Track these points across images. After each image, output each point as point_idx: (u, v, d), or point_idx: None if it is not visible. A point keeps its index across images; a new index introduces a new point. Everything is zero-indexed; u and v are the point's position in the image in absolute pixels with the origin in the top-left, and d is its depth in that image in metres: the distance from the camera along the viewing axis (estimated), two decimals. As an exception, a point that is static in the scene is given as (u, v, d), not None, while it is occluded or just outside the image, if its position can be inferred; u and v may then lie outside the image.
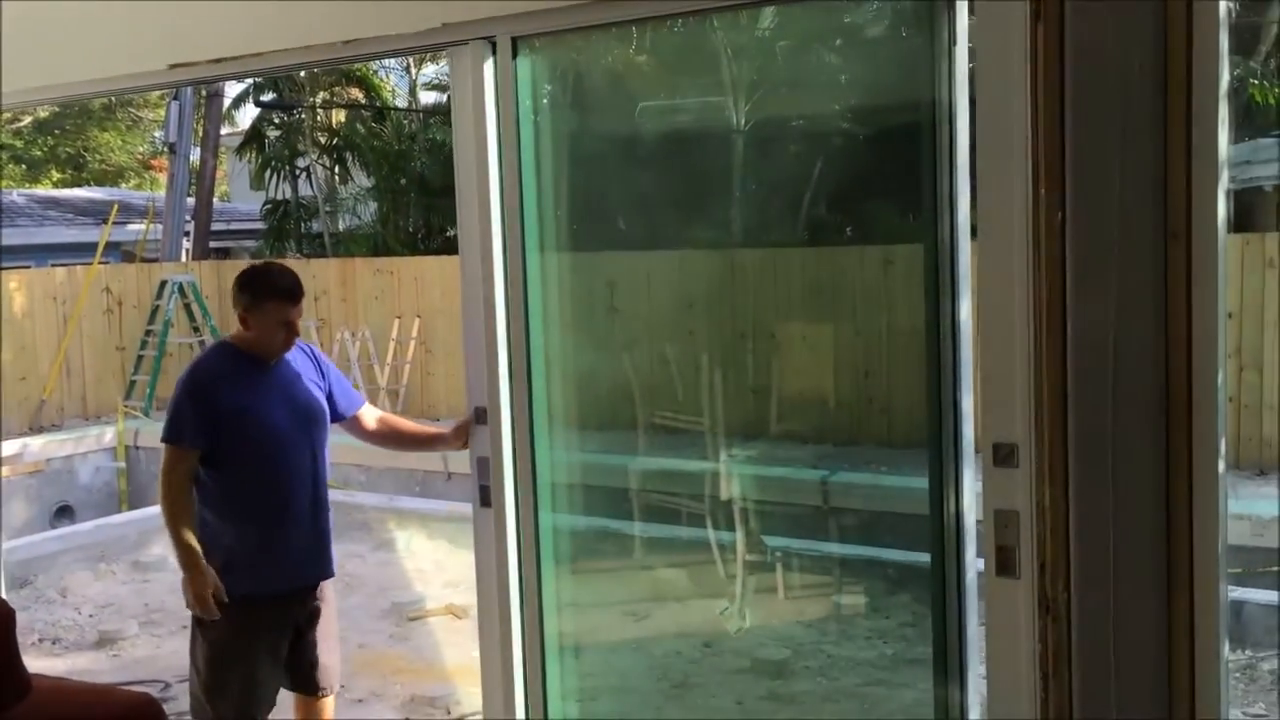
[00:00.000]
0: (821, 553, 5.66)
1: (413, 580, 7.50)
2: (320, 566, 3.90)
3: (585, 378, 4.30)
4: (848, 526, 6.26)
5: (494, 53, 3.40)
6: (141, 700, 1.73)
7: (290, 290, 3.80)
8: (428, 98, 19.96)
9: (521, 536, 3.43)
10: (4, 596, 4.20)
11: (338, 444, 11.47)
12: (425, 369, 13.68)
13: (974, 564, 2.83)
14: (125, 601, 7.24)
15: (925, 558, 2.98)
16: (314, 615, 3.93)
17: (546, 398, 3.57)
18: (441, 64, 19.01)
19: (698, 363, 5.42)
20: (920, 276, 2.95)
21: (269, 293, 3.76)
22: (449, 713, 5.30)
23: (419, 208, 17.02)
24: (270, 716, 3.87)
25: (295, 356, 3.90)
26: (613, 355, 5.13)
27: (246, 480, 3.72)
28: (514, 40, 3.41)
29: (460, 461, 10.43)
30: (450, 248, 16.24)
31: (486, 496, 3.40)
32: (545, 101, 3.75)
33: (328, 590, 4.00)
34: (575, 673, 3.82)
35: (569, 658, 3.75)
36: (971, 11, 2.72)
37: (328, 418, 3.92)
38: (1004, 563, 2.51)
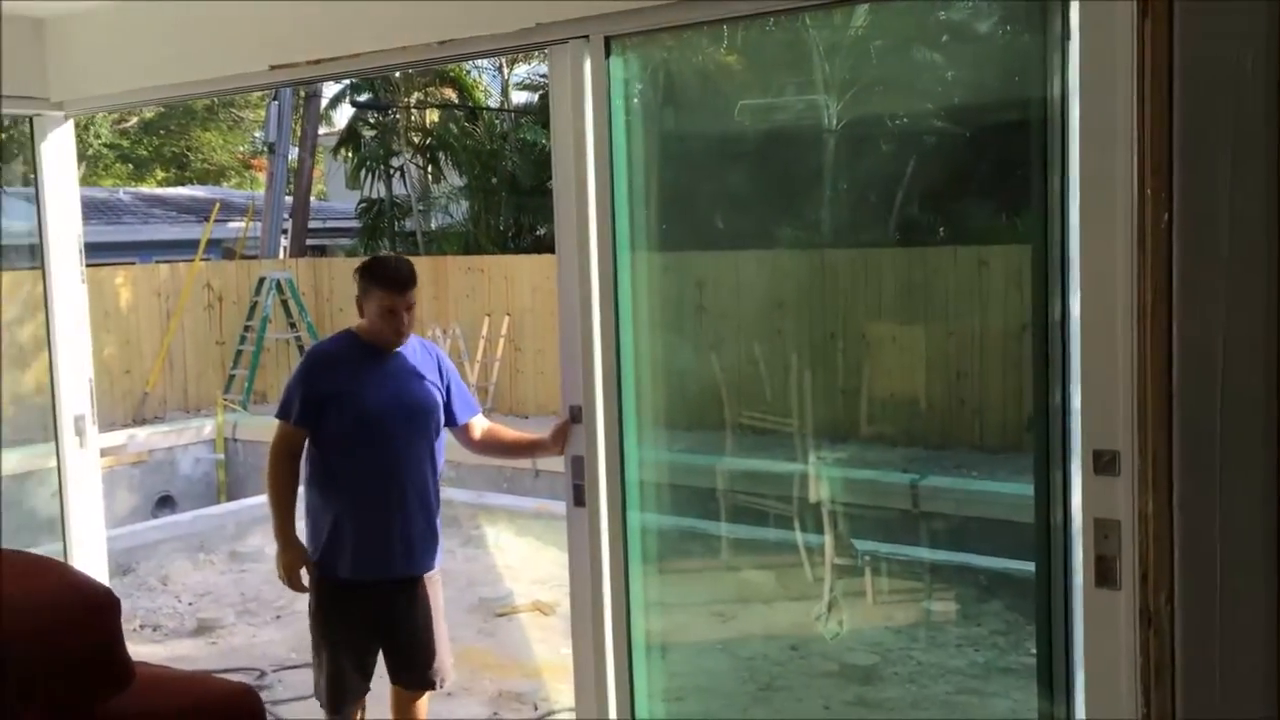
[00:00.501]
0: (911, 558, 5.59)
1: (501, 576, 7.57)
2: (412, 562, 3.90)
3: (674, 377, 4.30)
4: (938, 531, 6.17)
5: (588, 52, 3.41)
6: (240, 690, 1.77)
7: (393, 279, 3.90)
8: (519, 98, 20.14)
9: (612, 536, 3.43)
10: (108, 584, 4.37)
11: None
12: (514, 366, 13.81)
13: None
14: (223, 590, 7.43)
15: (1020, 565, 2.93)
16: (412, 610, 3.94)
17: (636, 397, 3.58)
18: (533, 64, 19.17)
19: (787, 363, 5.38)
20: (1024, 276, 2.88)
21: (375, 281, 3.90)
22: (536, 709, 5.34)
23: (509, 207, 17.18)
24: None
25: (418, 353, 3.97)
26: (701, 355, 5.12)
27: (343, 464, 3.80)
28: (607, 39, 3.41)
29: (547, 459, 10.51)
30: (539, 246, 16.37)
31: (580, 495, 3.41)
32: (636, 101, 3.75)
33: (431, 587, 4.00)
34: (663, 672, 3.82)
35: (657, 657, 3.75)
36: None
37: (439, 418, 3.94)
38: (1104, 573, 2.44)
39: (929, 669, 4.80)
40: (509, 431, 4.26)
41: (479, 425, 4.09)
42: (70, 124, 4.94)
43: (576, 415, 3.45)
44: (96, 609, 1.59)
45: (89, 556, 4.78)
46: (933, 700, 4.65)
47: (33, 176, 4.92)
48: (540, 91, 18.84)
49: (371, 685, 3.97)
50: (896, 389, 6.77)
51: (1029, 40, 2.90)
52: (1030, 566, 2.89)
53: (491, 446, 4.19)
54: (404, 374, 3.90)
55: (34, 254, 5.10)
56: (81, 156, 23.31)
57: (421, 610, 3.97)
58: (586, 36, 3.41)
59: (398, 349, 3.94)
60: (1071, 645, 2.66)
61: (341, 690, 3.87)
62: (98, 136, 17.16)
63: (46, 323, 4.91)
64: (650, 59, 3.89)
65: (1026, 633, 4.72)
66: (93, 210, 20.30)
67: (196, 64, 4.45)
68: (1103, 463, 2.45)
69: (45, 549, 4.62)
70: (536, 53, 17.53)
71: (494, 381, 13.65)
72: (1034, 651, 2.93)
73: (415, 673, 4.00)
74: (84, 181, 25.45)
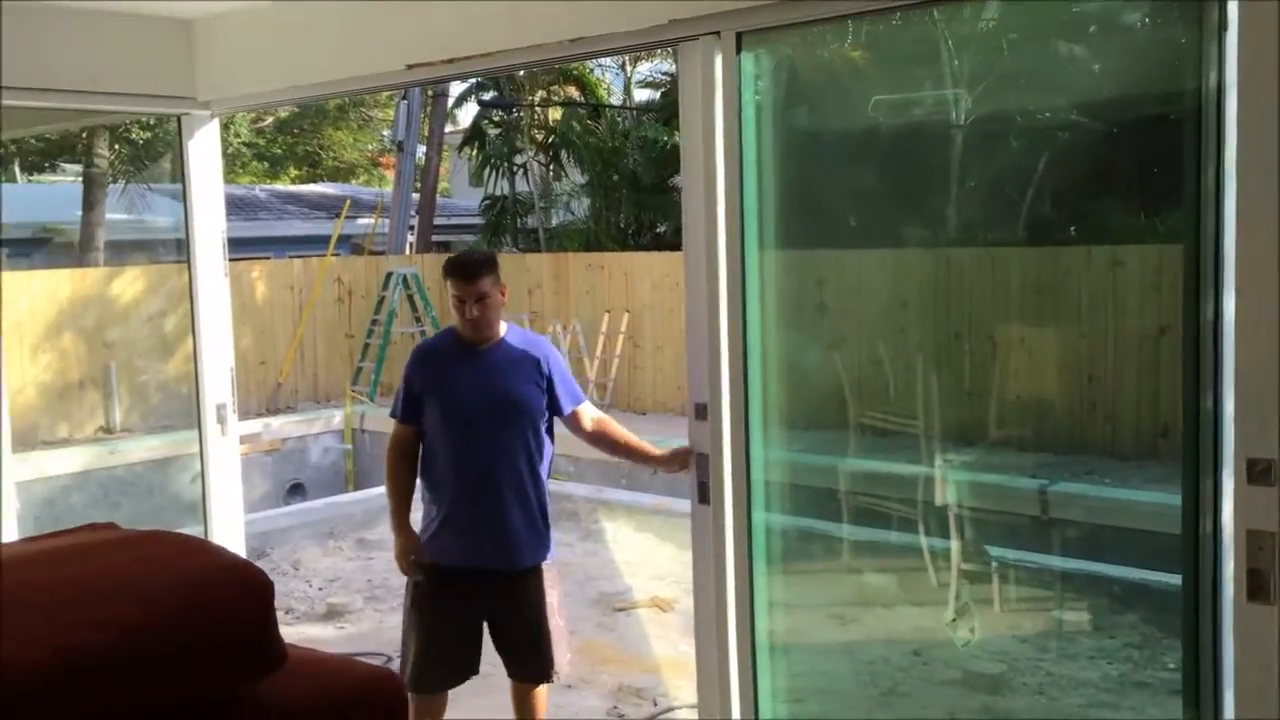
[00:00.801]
0: (1040, 565, 5.44)
1: (620, 571, 7.62)
2: (505, 554, 3.93)
3: (797, 376, 4.26)
4: (1069, 539, 5.99)
5: (719, 48, 3.40)
6: (384, 674, 1.81)
7: (458, 270, 3.94)
8: (641, 95, 20.22)
9: (737, 534, 3.42)
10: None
11: (550, 434, 11.50)
12: (633, 363, 13.87)
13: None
14: (351, 576, 7.63)
15: (1159, 576, 2.82)
16: (517, 604, 3.98)
17: (762, 395, 3.56)
18: (656, 62, 19.21)
19: (910, 363, 5.29)
20: (1164, 277, 2.78)
21: (446, 274, 4.00)
22: (656, 704, 5.36)
23: (630, 204, 17.26)
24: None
25: (518, 348, 4.00)
26: (823, 354, 5.07)
27: (438, 456, 3.92)
28: (738, 35, 3.40)
29: (666, 456, 10.53)
30: (659, 244, 16.41)
31: (705, 493, 3.41)
32: (761, 97, 3.73)
33: (540, 580, 4.03)
34: (784, 674, 3.79)
35: (778, 658, 3.72)
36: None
37: (537, 413, 3.96)
38: (1257, 587, 2.34)
39: (1059, 680, 4.67)
40: (623, 432, 4.26)
41: (587, 415, 4.12)
42: (215, 123, 5.11)
43: (701, 413, 3.45)
44: (250, 590, 1.64)
45: (229, 540, 4.95)
46: (1062, 712, 4.52)
47: (180, 174, 5.11)
48: (662, 89, 18.88)
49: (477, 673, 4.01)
50: (1024, 391, 6.60)
51: (1180, 33, 2.79)
52: (1171, 578, 2.79)
53: (602, 440, 4.21)
54: (495, 368, 3.94)
55: (180, 248, 5.28)
56: (221, 154, 24.18)
57: (527, 604, 3.99)
58: (718, 33, 3.40)
59: (495, 343, 3.97)
60: (1220, 661, 2.55)
61: (422, 679, 3.92)
62: (237, 135, 17.80)
63: (191, 315, 5.09)
64: (778, 55, 3.86)
65: (1164, 646, 4.56)
66: (231, 206, 20.97)
67: (336, 63, 4.57)
68: (1257, 471, 2.35)
69: (187, 531, 4.79)
70: (660, 50, 17.59)
71: (612, 377, 13.74)
72: (1173, 666, 2.82)
73: (524, 666, 4.05)
74: (224, 179, 26.39)
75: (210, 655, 1.61)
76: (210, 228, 5.08)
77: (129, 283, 13.39)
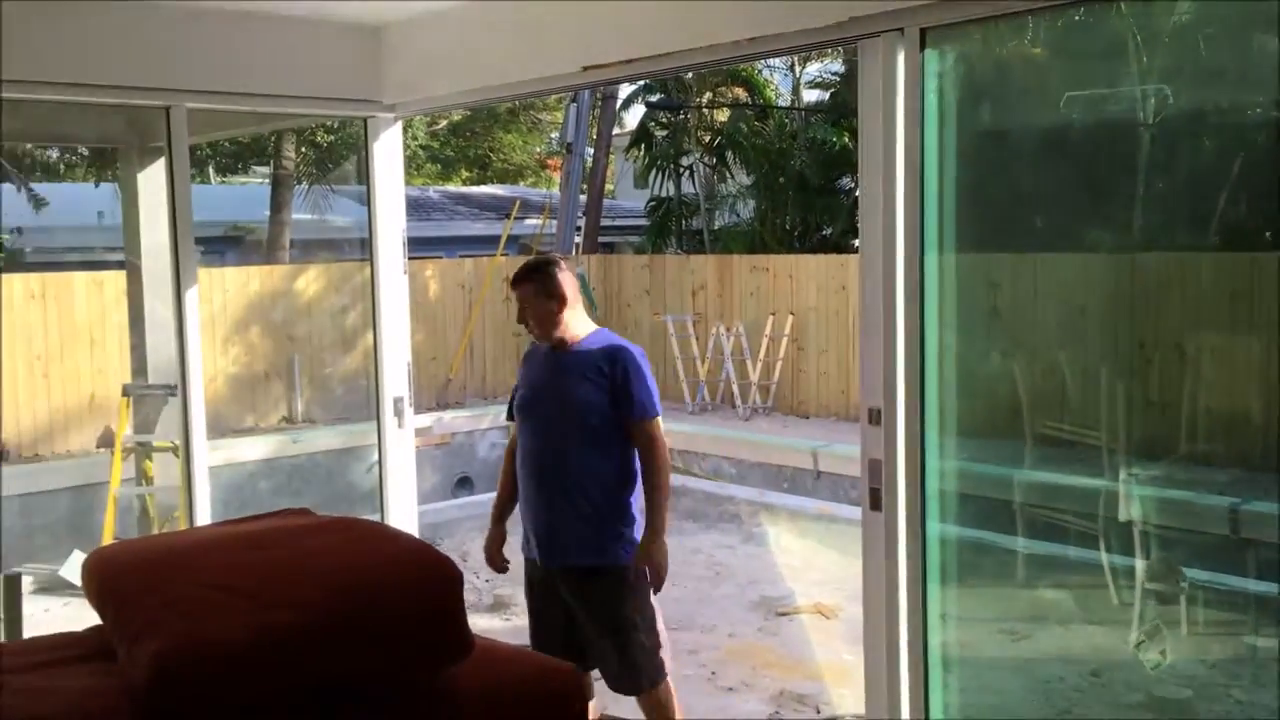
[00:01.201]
0: (1231, 587, 5.16)
1: (782, 575, 7.55)
2: (549, 550, 3.94)
3: (972, 383, 4.15)
4: (1264, 561, 5.65)
5: (902, 45, 3.33)
6: (566, 668, 1.83)
7: (513, 276, 4.06)
8: (810, 96, 20.02)
9: (910, 543, 3.34)
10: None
11: (710, 435, 11.70)
12: (797, 366, 13.74)
13: None
14: (518, 569, 7.76)
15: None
16: (585, 607, 3.93)
17: (938, 401, 3.47)
18: (825, 62, 18.99)
19: (1092, 373, 5.08)
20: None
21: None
22: (819, 712, 5.29)
23: (797, 206, 17.11)
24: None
25: (591, 350, 3.96)
26: (999, 361, 4.91)
27: (518, 451, 4.08)
28: (922, 31, 3.32)
29: (831, 460, 10.41)
30: (826, 246, 16.22)
31: (877, 500, 3.34)
32: (942, 96, 3.63)
33: (613, 584, 3.91)
34: (956, 688, 3.68)
35: (950, 672, 3.62)
36: None
37: (590, 412, 3.88)
38: None
39: (1252, 710, 4.41)
40: (657, 480, 3.95)
41: (645, 434, 3.91)
42: (399, 125, 5.28)
43: (875, 418, 3.38)
44: (440, 578, 1.68)
45: (404, 529, 5.10)
46: (1255, 744, 4.28)
47: (364, 175, 5.29)
48: (832, 90, 18.65)
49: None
50: (1214, 404, 6.26)
51: None
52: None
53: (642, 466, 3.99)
54: (562, 369, 3.98)
55: (361, 247, 5.48)
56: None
57: (598, 606, 3.93)
58: (901, 29, 3.33)
59: (573, 346, 3.98)
60: None
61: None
62: (414, 138, 18.39)
63: (372, 311, 5.28)
64: (960, 52, 3.75)
65: (1371, 680, 4.26)
66: (407, 207, 21.72)
67: (515, 66, 4.66)
68: None
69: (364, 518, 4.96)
70: (831, 51, 17.38)
71: (775, 380, 13.64)
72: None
73: (609, 674, 3.98)
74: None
75: (399, 640, 1.65)
76: (391, 226, 5.25)
77: (312, 279, 13.97)
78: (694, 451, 11.73)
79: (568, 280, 3.97)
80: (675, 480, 9.71)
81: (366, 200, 5.29)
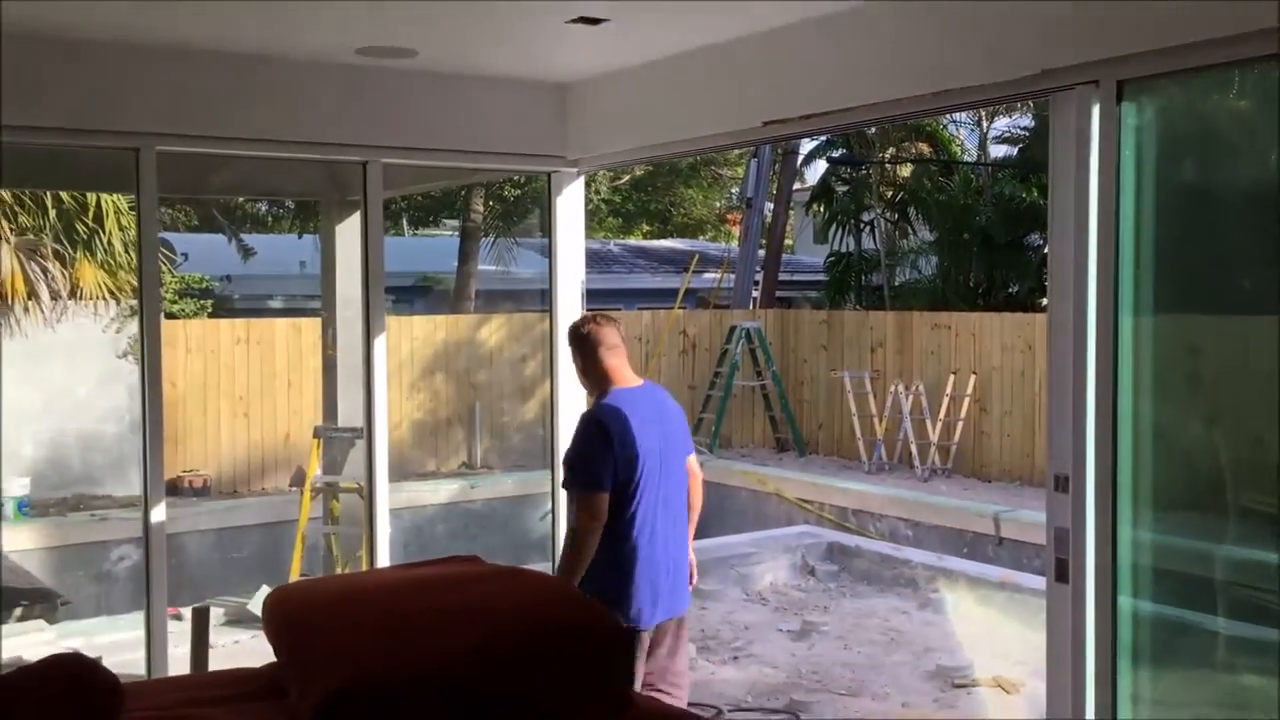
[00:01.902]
0: None
1: (960, 645, 7.26)
2: (675, 605, 4.19)
3: (1169, 450, 3.91)
4: None
5: (1097, 98, 3.20)
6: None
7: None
8: (997, 151, 19.58)
9: (1099, 618, 3.16)
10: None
11: (887, 496, 11.36)
12: (979, 427, 13.31)
13: None
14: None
15: None
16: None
17: (1132, 469, 3.28)
18: (1014, 117, 18.56)
19: (1304, 444, 4.73)
20: None
21: None
22: (995, 792, 5.03)
23: (981, 262, 16.68)
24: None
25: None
26: (1200, 429, 4.63)
27: (636, 518, 4.09)
28: (1119, 84, 3.19)
29: (1014, 526, 10.00)
30: (1011, 304, 15.72)
31: (1063, 571, 3.18)
32: (1138, 151, 3.47)
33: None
34: (1148, 778, 3.45)
35: (1142, 759, 3.39)
36: None
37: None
38: None
39: None
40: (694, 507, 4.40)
41: (691, 470, 4.34)
42: (581, 180, 5.39)
43: (1062, 485, 3.22)
44: (602, 634, 1.66)
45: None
46: None
47: (547, 228, 5.42)
48: (1020, 145, 18.18)
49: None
50: None
51: None
52: None
53: None
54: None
55: (542, 298, 5.59)
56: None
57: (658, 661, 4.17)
58: (1096, 82, 3.21)
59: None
60: None
61: None
62: (597, 192, 18.79)
63: (550, 361, 5.36)
64: (1159, 105, 3.59)
65: None
66: (588, 259, 22.15)
67: (695, 121, 4.71)
68: None
69: (536, 568, 5.01)
70: (1020, 104, 16.95)
71: (956, 441, 13.24)
72: None
73: None
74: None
75: (556, 689, 1.64)
76: (571, 278, 5.34)
77: (495, 329, 14.36)
78: (869, 512, 11.46)
79: (602, 339, 4.15)
80: (850, 541, 9.53)
81: (548, 253, 5.40)
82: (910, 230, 18.36)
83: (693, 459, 4.34)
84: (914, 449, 13.28)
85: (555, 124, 5.24)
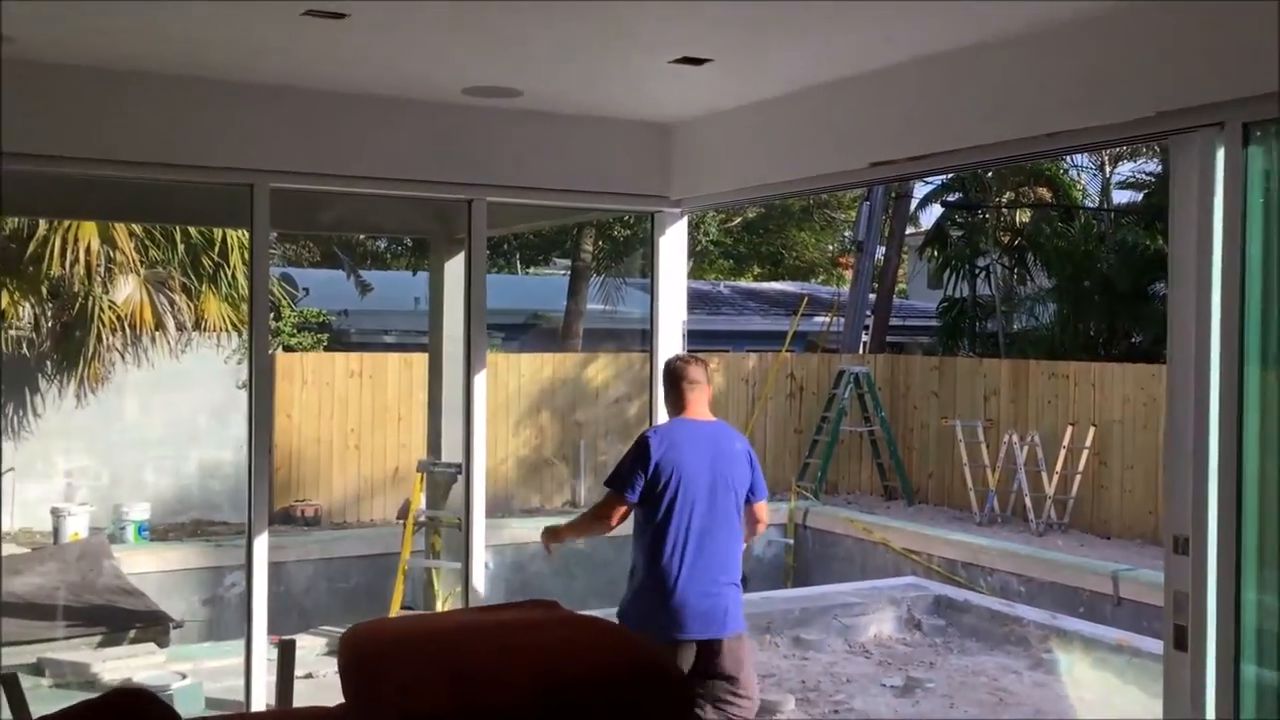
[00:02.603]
0: None
1: (1073, 709, 6.96)
2: (712, 624, 4.37)
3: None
4: None
5: (1221, 141, 3.05)
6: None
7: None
8: (1120, 196, 19.05)
9: (1220, 689, 2.96)
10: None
11: (999, 549, 10.97)
12: (1098, 481, 12.85)
13: None
14: (785, 674, 7.55)
15: None
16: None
17: (1258, 530, 3.08)
18: (1139, 161, 18.05)
19: None
20: None
21: None
22: None
23: (1102, 311, 16.18)
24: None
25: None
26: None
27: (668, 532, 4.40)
28: (1245, 126, 3.03)
29: (1134, 586, 9.59)
30: (1133, 354, 15.20)
31: (1182, 638, 3.00)
32: (1267, 197, 3.29)
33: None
34: None
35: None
36: None
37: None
38: None
39: None
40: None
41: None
42: (684, 220, 5.36)
43: (1181, 546, 3.04)
44: (665, 691, 1.60)
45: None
46: None
47: (649, 268, 5.40)
48: (1145, 190, 17.67)
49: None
50: None
51: None
52: None
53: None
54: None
55: (644, 338, 5.56)
56: (691, 252, 25.64)
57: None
58: (1220, 124, 3.06)
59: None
60: None
61: None
62: (706, 234, 18.79)
63: (650, 401, 5.32)
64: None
65: None
66: (697, 301, 22.18)
67: (802, 161, 4.65)
68: None
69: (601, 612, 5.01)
70: (1145, 148, 16.48)
71: (1073, 495, 12.79)
72: None
73: None
74: (692, 275, 27.95)
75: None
76: (672, 319, 5.30)
77: (600, 368, 14.42)
78: (979, 565, 11.12)
79: (686, 375, 4.46)
80: (959, 595, 9.23)
81: (650, 293, 5.38)
82: (1028, 276, 17.93)
83: (762, 506, 4.57)
84: (1028, 501, 12.88)
85: (659, 164, 5.23)
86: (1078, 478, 12.75)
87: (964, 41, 3.84)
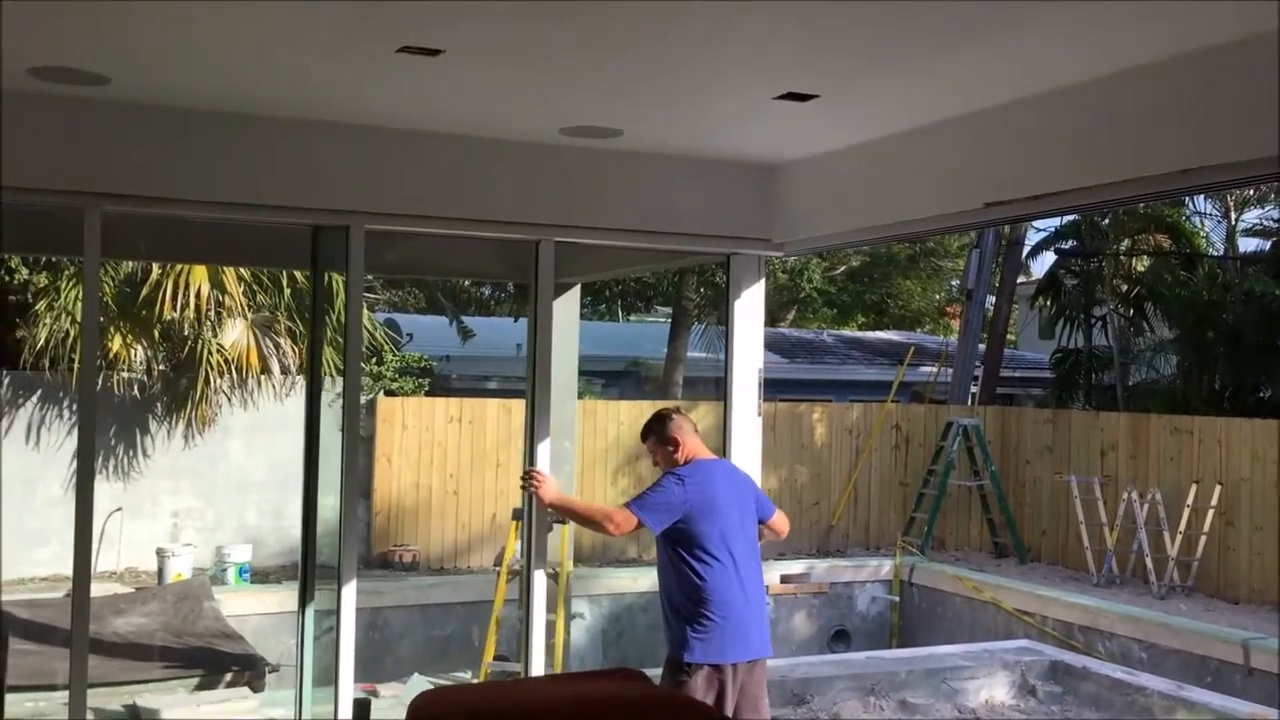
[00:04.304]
0: None
1: (1203, 790, 6.49)
2: (764, 644, 4.65)
3: None
4: None
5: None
6: None
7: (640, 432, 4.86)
8: (1247, 244, 18.27)
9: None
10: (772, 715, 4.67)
11: (1118, 613, 10.45)
12: (1224, 543, 12.18)
13: None
14: None
15: None
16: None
17: None
18: (1266, 208, 17.32)
19: None
20: None
21: None
22: None
23: (1228, 364, 15.43)
24: None
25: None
26: None
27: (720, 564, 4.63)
28: None
29: (1266, 656, 9.00)
30: (1262, 409, 14.45)
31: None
32: None
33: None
34: None
35: None
36: None
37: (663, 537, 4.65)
38: None
39: None
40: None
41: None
42: (761, 264, 5.21)
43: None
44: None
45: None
46: None
47: (726, 315, 5.28)
48: (1274, 238, 16.92)
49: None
50: None
51: None
52: None
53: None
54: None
55: (717, 386, 5.48)
56: (794, 300, 25.36)
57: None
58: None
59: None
60: None
61: None
62: (809, 281, 18.50)
63: (723, 450, 5.20)
64: None
65: None
66: (799, 349, 21.88)
67: (912, 203, 4.44)
68: None
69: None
70: (1275, 193, 15.79)
71: (1198, 557, 12.13)
72: None
73: None
74: (794, 323, 27.66)
75: None
76: (748, 366, 5.19)
77: (700, 416, 14.19)
78: (1098, 629, 10.57)
79: (681, 425, 4.70)
80: (1076, 660, 8.75)
81: (725, 339, 5.29)
82: (1147, 327, 17.25)
83: (779, 517, 4.85)
84: (1149, 563, 12.25)
85: (762, 206, 5.06)
86: (1203, 538, 12.10)
87: (1089, 74, 3.61)
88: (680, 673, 4.46)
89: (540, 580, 4.99)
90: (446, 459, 12.88)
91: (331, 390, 12.56)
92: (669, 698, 1.63)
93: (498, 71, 3.75)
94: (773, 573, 12.55)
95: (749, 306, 5.23)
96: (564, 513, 4.97)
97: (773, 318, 26.44)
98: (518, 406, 12.30)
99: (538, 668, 4.97)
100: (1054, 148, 3.87)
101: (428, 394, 14.51)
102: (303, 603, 5.39)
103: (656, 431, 4.73)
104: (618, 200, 4.90)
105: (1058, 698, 8.02)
